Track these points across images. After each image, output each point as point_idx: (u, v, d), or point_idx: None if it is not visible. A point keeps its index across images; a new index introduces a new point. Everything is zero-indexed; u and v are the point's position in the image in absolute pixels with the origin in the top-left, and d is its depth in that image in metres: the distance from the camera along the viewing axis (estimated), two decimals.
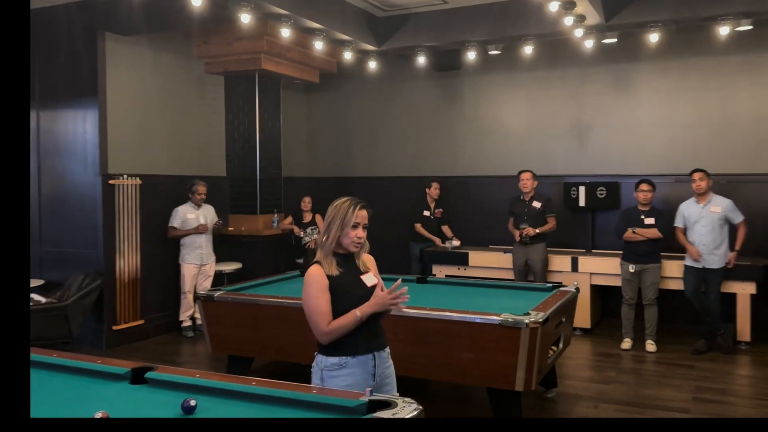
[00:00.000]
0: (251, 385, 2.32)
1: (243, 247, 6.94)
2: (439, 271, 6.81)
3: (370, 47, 6.87)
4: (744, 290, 5.68)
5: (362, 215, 2.52)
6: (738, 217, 5.51)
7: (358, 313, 2.43)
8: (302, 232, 7.05)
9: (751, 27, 5.79)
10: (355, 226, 2.50)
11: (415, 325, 3.73)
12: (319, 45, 6.32)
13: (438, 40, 6.74)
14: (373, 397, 2.16)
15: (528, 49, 6.62)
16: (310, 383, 2.51)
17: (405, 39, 6.84)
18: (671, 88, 6.77)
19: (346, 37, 6.46)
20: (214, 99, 7.14)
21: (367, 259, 2.66)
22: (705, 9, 5.77)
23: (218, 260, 6.58)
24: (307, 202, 7.18)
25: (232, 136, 7.20)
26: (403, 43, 6.86)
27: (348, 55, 6.86)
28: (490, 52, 6.95)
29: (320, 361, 2.52)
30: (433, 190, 7.15)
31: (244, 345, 4.46)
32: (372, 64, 7.20)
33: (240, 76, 6.99)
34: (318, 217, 7.07)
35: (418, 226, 7.08)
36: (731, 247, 5.51)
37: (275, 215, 7.13)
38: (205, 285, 6.28)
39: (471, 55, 6.89)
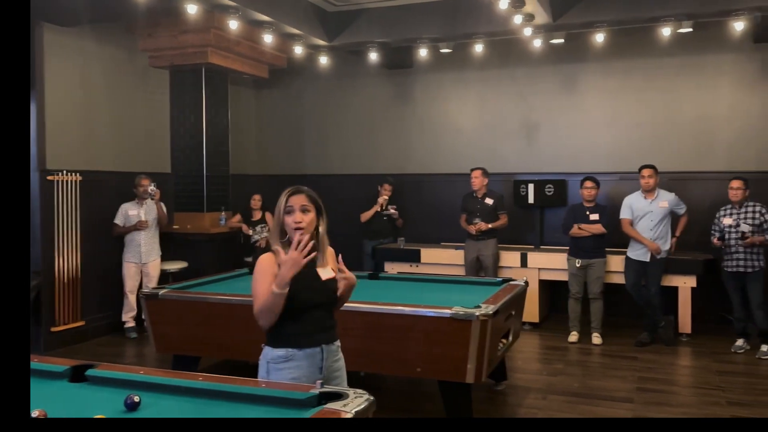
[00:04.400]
0: (197, 380, 2.28)
1: (189, 245, 6.80)
2: (392, 268, 6.86)
3: (321, 42, 6.84)
4: (685, 284, 5.95)
5: (294, 200, 2.47)
6: (682, 209, 5.81)
7: (274, 287, 2.35)
8: (251, 231, 6.97)
9: (691, 29, 6.05)
10: (290, 212, 2.47)
11: (366, 320, 3.74)
12: (268, 39, 6.26)
13: (389, 37, 6.77)
14: (323, 389, 2.16)
15: (479, 48, 6.73)
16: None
17: (356, 35, 6.85)
18: (616, 88, 7.02)
19: (296, 31, 6.42)
20: (159, 93, 6.97)
21: (329, 253, 2.63)
22: (648, 10, 6.00)
23: (163, 259, 6.43)
24: (256, 200, 7.10)
25: (178, 132, 7.05)
26: (354, 38, 6.87)
27: (298, 50, 6.82)
28: (441, 50, 7.03)
29: (266, 354, 2.50)
30: (385, 190, 7.19)
31: (190, 344, 4.38)
32: (323, 60, 7.18)
33: (186, 70, 6.84)
34: (268, 215, 7.00)
35: (364, 214, 7.11)
36: (673, 234, 5.81)
37: (223, 213, 7.03)
38: (149, 285, 6.14)
39: (422, 53, 6.95)
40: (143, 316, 4.50)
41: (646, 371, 5.03)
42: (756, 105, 6.55)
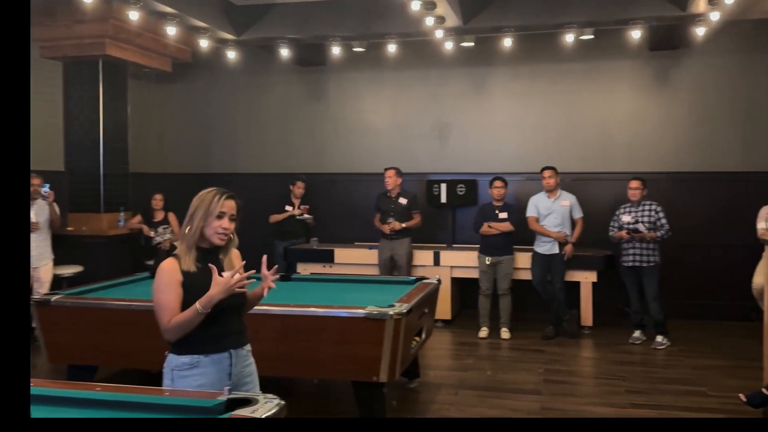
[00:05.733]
0: (95, 390, 2.17)
1: (84, 248, 6.44)
2: (304, 269, 6.81)
3: (229, 36, 6.69)
4: (586, 279, 6.32)
5: (229, 205, 2.42)
6: (579, 213, 6.16)
7: (198, 305, 2.30)
8: (153, 232, 6.68)
9: (593, 36, 6.43)
10: (220, 216, 2.41)
11: (278, 323, 3.69)
12: (172, 31, 6.03)
13: (301, 33, 6.72)
14: (231, 396, 2.11)
15: (392, 48, 6.82)
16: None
17: (266, 30, 6.75)
18: (523, 92, 7.34)
19: (202, 24, 6.23)
20: (52, 86, 6.54)
21: (234, 255, 2.57)
22: (552, 17, 6.32)
23: (56, 263, 6.04)
24: (158, 200, 6.81)
25: (72, 127, 6.66)
26: (264, 33, 6.76)
27: (204, 44, 6.62)
28: (354, 49, 7.06)
29: (171, 361, 2.42)
30: (297, 189, 7.14)
31: (86, 353, 4.14)
32: (231, 55, 7.00)
33: (81, 62, 6.48)
34: (171, 216, 6.75)
35: (273, 216, 7.03)
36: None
37: (122, 214, 6.71)
38: (41, 291, 5.74)
39: (335, 51, 6.95)
40: (33, 325, 4.21)
41: (552, 363, 5.30)
42: (652, 109, 7.06)
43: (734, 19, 6.28)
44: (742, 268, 5.53)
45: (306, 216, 7.07)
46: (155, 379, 2.51)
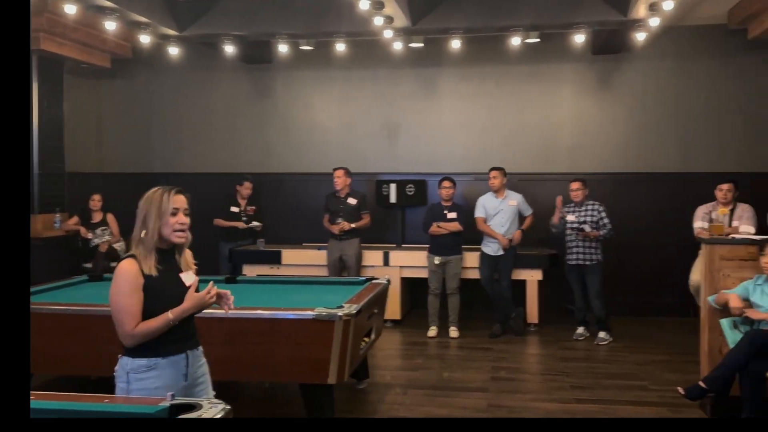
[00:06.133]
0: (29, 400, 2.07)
1: None
2: (251, 271, 6.71)
3: (171, 32, 6.52)
4: (532, 277, 6.48)
5: (180, 200, 2.40)
6: (528, 210, 6.33)
7: (170, 315, 2.34)
8: (90, 234, 6.46)
9: (538, 40, 6.59)
10: (174, 213, 2.38)
11: (225, 327, 3.63)
12: (110, 26, 5.84)
13: (247, 30, 6.63)
14: (175, 401, 2.06)
15: (340, 47, 6.80)
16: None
17: (210, 26, 6.62)
18: (470, 94, 7.45)
19: (142, 19, 6.05)
20: None
21: (188, 255, 2.56)
22: (498, 20, 6.44)
23: None
24: (96, 201, 6.57)
25: None
26: (208, 29, 6.63)
27: (145, 39, 6.44)
28: (301, 47, 7.01)
29: (126, 364, 2.37)
30: (244, 189, 7.04)
31: None
32: (173, 51, 6.84)
33: None
34: (110, 217, 6.53)
35: (218, 220, 6.91)
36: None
37: (58, 215, 6.45)
38: None
39: (283, 49, 6.88)
40: None
41: (499, 361, 5.40)
42: (594, 111, 7.29)
43: (673, 25, 6.57)
44: (680, 266, 5.76)
45: (254, 223, 6.96)
46: (96, 385, 2.43)
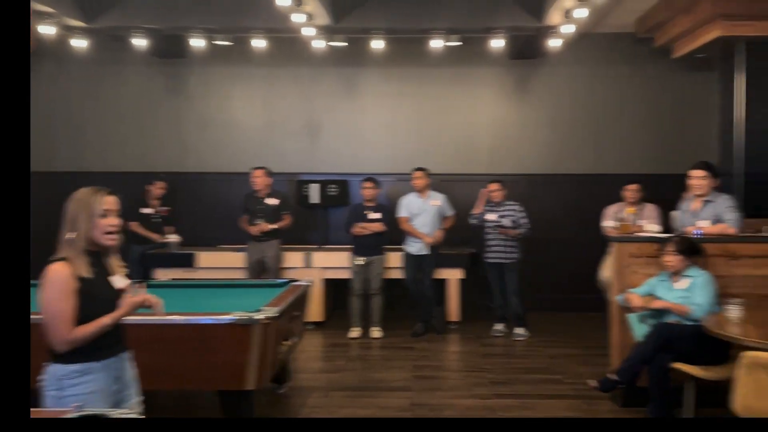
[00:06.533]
0: None
1: None
2: (164, 275, 6.46)
3: (77, 23, 6.19)
4: (453, 276, 6.62)
5: (110, 201, 2.38)
6: (450, 211, 6.45)
7: (108, 320, 2.34)
8: None
9: (459, 43, 6.72)
10: (104, 215, 2.35)
11: (136, 334, 3.41)
12: None
13: (159, 23, 6.39)
14: (81, 413, 1.98)
15: (259, 43, 6.68)
16: None
17: (120, 18, 6.34)
18: (394, 94, 7.52)
19: (45, 9, 5.71)
20: None
21: (114, 258, 2.52)
22: (419, 22, 6.54)
23: None
24: None
25: None
26: (118, 22, 6.35)
27: (48, 31, 6.06)
28: (218, 42, 6.83)
29: (55, 371, 2.29)
30: (156, 189, 6.78)
31: None
32: (80, 44, 6.49)
33: None
34: None
35: (134, 225, 6.63)
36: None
37: None
38: None
39: (197, 44, 6.68)
40: None
41: (421, 359, 5.47)
42: (512, 115, 7.52)
43: (585, 33, 6.89)
44: (592, 263, 6.04)
45: (172, 238, 6.68)
46: None
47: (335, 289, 7.07)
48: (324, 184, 7.15)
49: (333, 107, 7.55)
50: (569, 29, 6.32)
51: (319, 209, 7.30)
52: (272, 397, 4.48)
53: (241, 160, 7.29)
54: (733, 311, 3.54)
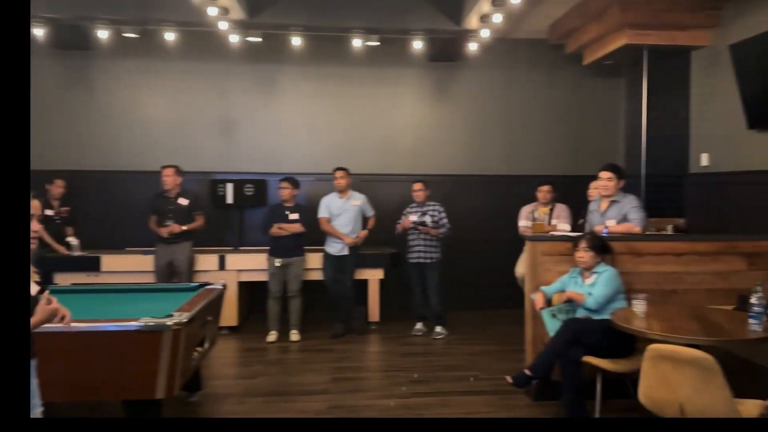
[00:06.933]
0: None
1: None
2: (64, 280, 6.08)
3: None
4: (374, 276, 6.64)
5: (34, 206, 2.33)
6: (371, 212, 6.47)
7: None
8: None
9: (378, 43, 6.75)
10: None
11: (37, 344, 3.22)
12: None
13: (60, 12, 6.04)
14: None
15: (170, 37, 6.45)
16: None
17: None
18: (313, 93, 7.45)
19: None
20: None
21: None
22: (337, 20, 6.52)
23: None
24: None
25: None
26: None
27: None
28: (124, 34, 6.53)
29: None
30: (56, 188, 6.40)
31: None
32: None
33: None
34: None
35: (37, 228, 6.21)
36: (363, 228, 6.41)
37: None
38: None
39: (102, 35, 6.36)
40: None
41: (341, 361, 5.45)
42: (433, 116, 7.64)
43: (502, 37, 7.11)
44: (510, 261, 6.25)
45: (72, 240, 6.31)
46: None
47: (251, 292, 6.92)
48: (240, 184, 6.98)
49: (250, 104, 7.39)
50: (486, 34, 6.49)
51: (235, 209, 7.12)
52: (184, 405, 4.32)
53: (151, 158, 7.01)
54: (638, 306, 3.73)
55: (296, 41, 6.64)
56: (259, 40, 6.73)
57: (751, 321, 3.36)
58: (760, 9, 5.39)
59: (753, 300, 3.37)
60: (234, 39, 6.62)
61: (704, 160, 6.32)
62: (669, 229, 6.36)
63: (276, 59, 7.30)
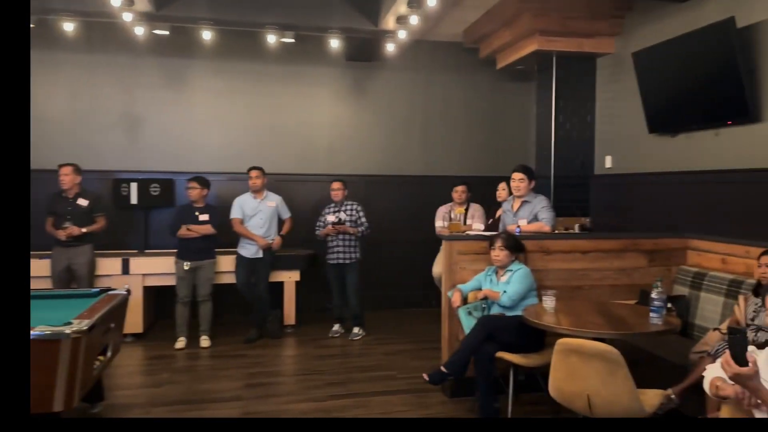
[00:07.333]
0: None
1: None
2: None
3: None
4: (290, 278, 6.55)
5: None
6: (287, 213, 6.37)
7: None
8: None
9: (293, 40, 6.66)
10: None
11: None
12: None
13: None
14: None
15: (68, 27, 6.09)
16: None
17: None
18: (225, 90, 7.25)
19: None
20: None
21: None
22: (249, 15, 6.39)
23: None
24: None
25: None
26: None
27: None
28: None
29: None
30: None
31: None
32: None
33: None
34: None
35: None
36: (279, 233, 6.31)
37: None
38: None
39: None
40: None
41: (255, 366, 5.33)
42: (349, 116, 7.63)
43: (418, 39, 7.21)
44: (426, 260, 6.34)
45: None
46: None
47: (158, 297, 6.65)
48: (145, 183, 6.69)
49: (157, 100, 7.10)
50: (403, 35, 6.56)
51: (140, 210, 6.82)
52: (84, 417, 4.07)
53: (45, 156, 6.56)
54: (548, 302, 3.88)
55: (207, 35, 6.45)
56: (167, 33, 6.48)
57: (652, 315, 3.58)
58: (660, 19, 5.75)
59: (653, 295, 3.58)
60: (140, 31, 6.34)
61: (608, 162, 6.68)
62: (576, 228, 6.67)
63: (185, 53, 7.06)
